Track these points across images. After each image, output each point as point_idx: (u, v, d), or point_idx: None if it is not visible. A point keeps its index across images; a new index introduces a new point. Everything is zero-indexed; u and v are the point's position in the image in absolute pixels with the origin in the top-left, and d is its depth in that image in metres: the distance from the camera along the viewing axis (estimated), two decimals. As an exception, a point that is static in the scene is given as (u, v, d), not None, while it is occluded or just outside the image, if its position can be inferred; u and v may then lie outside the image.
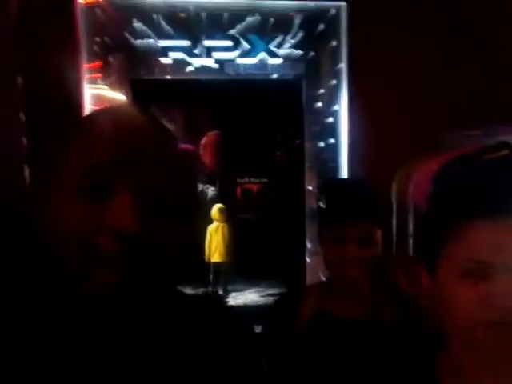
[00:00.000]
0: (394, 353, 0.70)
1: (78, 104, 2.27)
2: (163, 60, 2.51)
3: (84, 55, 2.29)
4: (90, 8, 2.31)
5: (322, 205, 1.15)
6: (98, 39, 2.35)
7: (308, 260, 2.79)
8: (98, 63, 2.36)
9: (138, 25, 2.39)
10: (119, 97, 2.43)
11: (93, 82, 2.36)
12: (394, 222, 2.32)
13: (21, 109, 2.13)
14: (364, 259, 1.03)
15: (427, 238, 0.66)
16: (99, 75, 2.38)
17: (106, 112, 0.55)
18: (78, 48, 2.26)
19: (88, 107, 2.32)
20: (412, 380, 0.64)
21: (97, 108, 2.36)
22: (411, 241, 2.24)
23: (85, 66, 2.29)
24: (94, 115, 0.56)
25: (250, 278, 4.13)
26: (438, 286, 0.61)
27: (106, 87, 2.40)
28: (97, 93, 2.37)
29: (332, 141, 2.68)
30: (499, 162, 0.74)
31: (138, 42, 2.43)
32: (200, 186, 4.16)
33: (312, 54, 2.61)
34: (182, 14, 2.42)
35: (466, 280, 0.57)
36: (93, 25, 2.31)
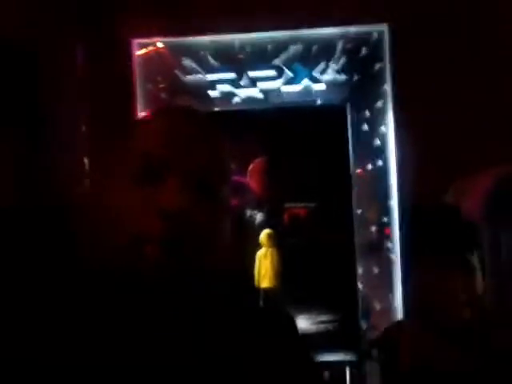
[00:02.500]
0: None
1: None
2: (211, 93, 2.63)
3: (139, 99, 2.47)
4: (146, 56, 2.50)
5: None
6: (151, 80, 2.52)
7: (360, 286, 2.73)
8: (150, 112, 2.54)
9: (187, 62, 2.54)
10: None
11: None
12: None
13: (86, 154, 2.30)
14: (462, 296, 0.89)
15: None
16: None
17: (159, 110, 0.63)
18: (134, 95, 2.44)
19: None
20: None
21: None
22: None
23: (140, 113, 2.47)
24: (148, 115, 0.63)
25: (300, 305, 4.07)
26: None
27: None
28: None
29: (380, 163, 2.66)
30: None
31: (188, 77, 2.57)
32: (248, 212, 4.21)
33: (356, 77, 2.63)
34: (227, 49, 2.54)
35: None
36: (148, 69, 2.49)
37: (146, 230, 0.49)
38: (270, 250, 4.00)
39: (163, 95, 2.58)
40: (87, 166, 2.27)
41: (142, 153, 0.52)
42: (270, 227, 4.09)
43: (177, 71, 2.56)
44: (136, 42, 2.52)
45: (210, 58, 2.55)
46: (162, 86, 2.55)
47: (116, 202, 0.52)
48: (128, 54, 2.48)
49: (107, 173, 0.56)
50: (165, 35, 2.50)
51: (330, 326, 3.71)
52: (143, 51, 2.51)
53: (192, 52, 2.54)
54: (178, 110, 0.60)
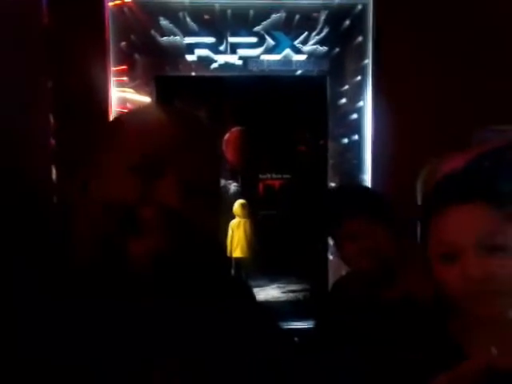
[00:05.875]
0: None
1: (105, 106, 2.32)
2: (188, 57, 2.53)
3: (112, 57, 2.34)
4: (118, 9, 2.35)
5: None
6: (125, 38, 2.39)
7: (330, 257, 2.79)
8: (125, 67, 2.41)
9: (164, 23, 2.43)
10: (145, 99, 2.47)
11: (120, 84, 2.42)
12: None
13: (50, 111, 2.20)
14: (362, 250, 1.13)
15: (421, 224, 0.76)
16: (126, 78, 2.43)
17: (158, 108, 0.65)
18: (107, 50, 2.32)
19: (115, 109, 2.38)
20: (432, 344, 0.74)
21: (123, 110, 2.42)
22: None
23: (112, 68, 2.35)
24: (148, 109, 0.64)
25: (271, 274, 4.14)
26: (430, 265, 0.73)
27: (132, 90, 2.44)
28: (123, 95, 2.42)
29: (356, 137, 2.66)
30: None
31: (164, 39, 2.46)
32: (222, 182, 4.19)
33: (337, 50, 2.59)
34: (207, 12, 2.44)
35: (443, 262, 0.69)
36: (120, 25, 2.36)
37: (139, 217, 0.52)
38: (244, 220, 4.02)
39: (137, 55, 2.47)
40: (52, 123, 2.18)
41: (141, 152, 0.54)
42: (243, 198, 4.11)
43: (153, 31, 2.45)
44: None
45: (188, 20, 2.44)
46: (136, 45, 2.43)
47: (114, 188, 0.54)
48: (101, 9, 2.33)
49: (98, 159, 0.57)
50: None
51: (300, 295, 3.81)
52: (116, 6, 2.37)
53: (170, 12, 2.42)
54: (174, 112, 0.61)
